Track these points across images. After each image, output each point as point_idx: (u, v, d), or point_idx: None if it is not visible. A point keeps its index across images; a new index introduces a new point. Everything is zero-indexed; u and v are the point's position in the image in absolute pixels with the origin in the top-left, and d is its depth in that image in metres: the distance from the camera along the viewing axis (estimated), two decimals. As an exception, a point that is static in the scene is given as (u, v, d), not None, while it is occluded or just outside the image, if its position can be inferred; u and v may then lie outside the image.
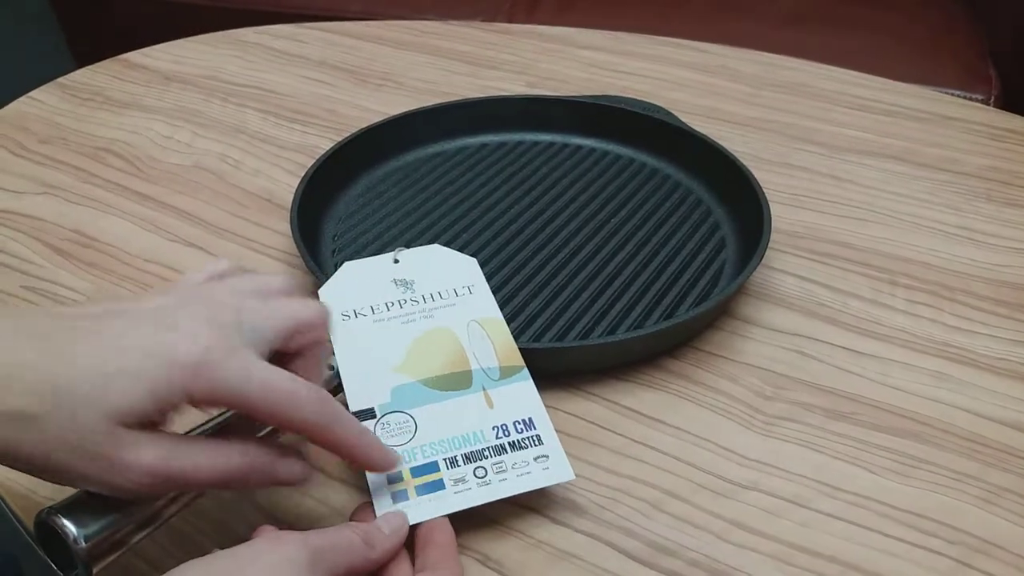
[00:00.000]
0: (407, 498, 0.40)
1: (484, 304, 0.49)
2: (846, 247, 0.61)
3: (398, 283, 0.49)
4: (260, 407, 0.35)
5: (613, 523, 0.43)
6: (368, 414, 0.43)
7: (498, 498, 0.41)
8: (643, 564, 0.41)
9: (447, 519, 0.40)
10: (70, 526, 0.34)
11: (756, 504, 0.44)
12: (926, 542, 0.42)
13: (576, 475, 0.44)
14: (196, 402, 0.34)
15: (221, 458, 0.35)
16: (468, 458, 0.42)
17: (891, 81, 0.82)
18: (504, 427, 0.43)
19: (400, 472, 0.41)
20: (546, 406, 0.47)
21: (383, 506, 0.40)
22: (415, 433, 0.43)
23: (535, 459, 0.42)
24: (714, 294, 0.55)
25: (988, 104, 1.19)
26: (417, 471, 0.41)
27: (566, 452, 0.45)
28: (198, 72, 0.86)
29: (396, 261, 0.51)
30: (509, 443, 0.42)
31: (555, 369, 0.50)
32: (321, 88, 0.83)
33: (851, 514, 0.43)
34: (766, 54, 0.88)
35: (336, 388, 0.45)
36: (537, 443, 0.43)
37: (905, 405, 0.49)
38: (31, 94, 0.82)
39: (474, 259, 0.51)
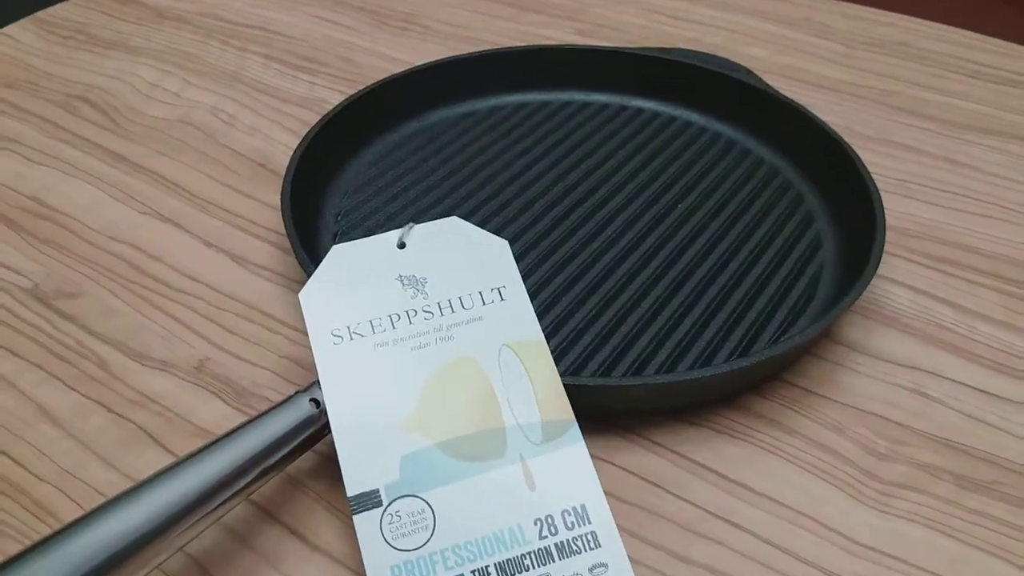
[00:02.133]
0: None
1: (520, 316, 0.37)
2: (970, 252, 0.49)
3: (406, 282, 0.37)
4: None
5: (680, 631, 0.32)
6: (371, 499, 0.32)
7: None
8: None
9: None
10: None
11: (874, 615, 0.33)
12: None
13: (632, 560, 0.33)
14: None
15: None
16: (503, 571, 0.31)
17: (1013, 44, 0.68)
18: (550, 520, 0.32)
19: None
20: (594, 457, 0.37)
21: None
22: (433, 531, 0.32)
23: (590, 570, 0.31)
24: (809, 310, 0.43)
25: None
26: None
27: (620, 527, 0.34)
28: (197, 8, 0.74)
29: (402, 245, 0.39)
30: (556, 545, 0.32)
31: (604, 408, 0.39)
32: (336, 31, 0.71)
33: (1004, 636, 0.32)
34: (857, 6, 0.75)
35: (320, 430, 0.35)
36: (593, 545, 0.32)
37: (1068, 478, 0.37)
38: (3, 30, 0.71)
39: (505, 242, 0.39)
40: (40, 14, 0.74)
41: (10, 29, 0.71)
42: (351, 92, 0.61)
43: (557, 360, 0.41)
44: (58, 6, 0.75)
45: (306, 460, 0.37)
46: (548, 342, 0.41)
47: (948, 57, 0.67)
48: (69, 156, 0.56)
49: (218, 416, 0.39)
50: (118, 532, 0.29)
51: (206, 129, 0.59)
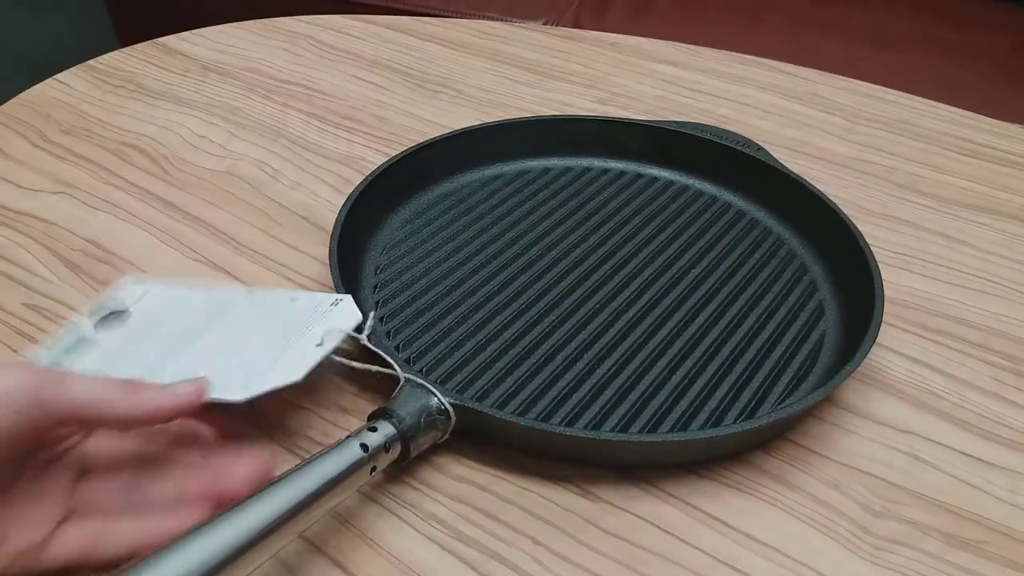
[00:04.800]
0: None
1: None
2: (962, 324, 0.53)
3: None
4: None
5: (691, 667, 0.35)
6: None
7: None
8: None
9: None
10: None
11: (866, 659, 0.36)
12: None
13: (648, 601, 0.37)
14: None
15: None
16: None
17: (1007, 124, 0.73)
18: None
19: None
20: (612, 505, 0.40)
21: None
22: None
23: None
24: (812, 375, 0.47)
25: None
26: None
27: (635, 571, 0.37)
28: (240, 63, 0.79)
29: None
30: None
31: (623, 461, 0.43)
32: (372, 91, 0.75)
33: None
34: (860, 82, 0.80)
35: (368, 472, 0.38)
36: None
37: (1046, 539, 0.41)
38: (58, 76, 0.76)
39: None
40: (92, 62, 0.78)
41: (64, 76, 0.76)
42: (387, 150, 0.66)
43: (579, 414, 0.44)
44: (108, 55, 0.80)
45: (351, 498, 0.41)
46: (570, 396, 0.45)
47: (944, 135, 0.72)
48: (123, 202, 0.60)
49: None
50: (189, 566, 0.33)
51: (252, 181, 0.63)
